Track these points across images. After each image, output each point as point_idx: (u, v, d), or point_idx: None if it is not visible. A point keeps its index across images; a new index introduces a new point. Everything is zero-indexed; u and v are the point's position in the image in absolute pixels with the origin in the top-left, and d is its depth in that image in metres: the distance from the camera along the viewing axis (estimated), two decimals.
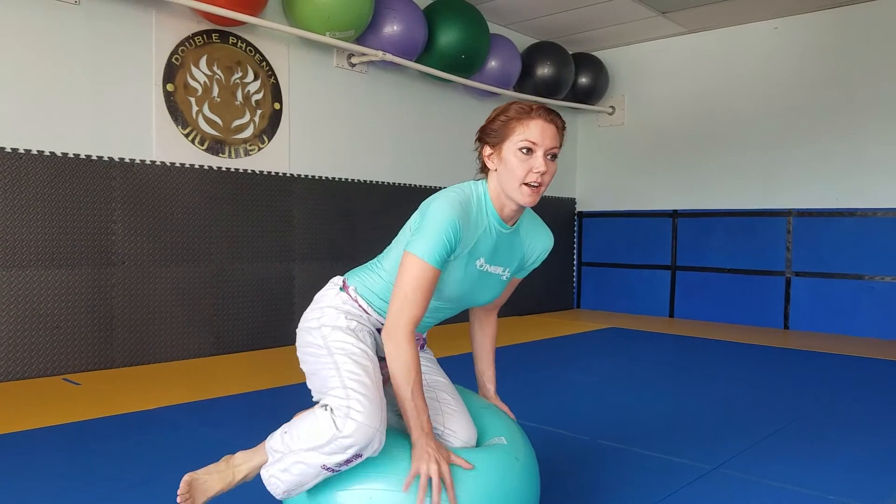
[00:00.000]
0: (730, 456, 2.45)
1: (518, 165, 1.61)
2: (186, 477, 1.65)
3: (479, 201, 1.68)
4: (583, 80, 6.51)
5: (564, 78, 6.19)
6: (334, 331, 1.67)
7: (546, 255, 1.85)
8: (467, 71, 5.44)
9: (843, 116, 5.55)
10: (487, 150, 1.69)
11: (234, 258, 4.38)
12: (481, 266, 1.70)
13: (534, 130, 1.61)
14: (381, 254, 1.83)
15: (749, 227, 6.03)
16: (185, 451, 2.43)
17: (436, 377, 1.83)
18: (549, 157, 1.63)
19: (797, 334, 5.52)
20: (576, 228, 7.17)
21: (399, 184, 5.40)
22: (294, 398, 3.26)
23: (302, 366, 1.75)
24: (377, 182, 5.25)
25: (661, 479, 2.21)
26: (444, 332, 4.02)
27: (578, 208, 7.17)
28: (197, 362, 4.09)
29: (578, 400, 3.28)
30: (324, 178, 4.89)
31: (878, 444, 2.62)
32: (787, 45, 5.83)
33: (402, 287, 1.58)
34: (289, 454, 1.55)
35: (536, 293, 6.52)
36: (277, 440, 1.64)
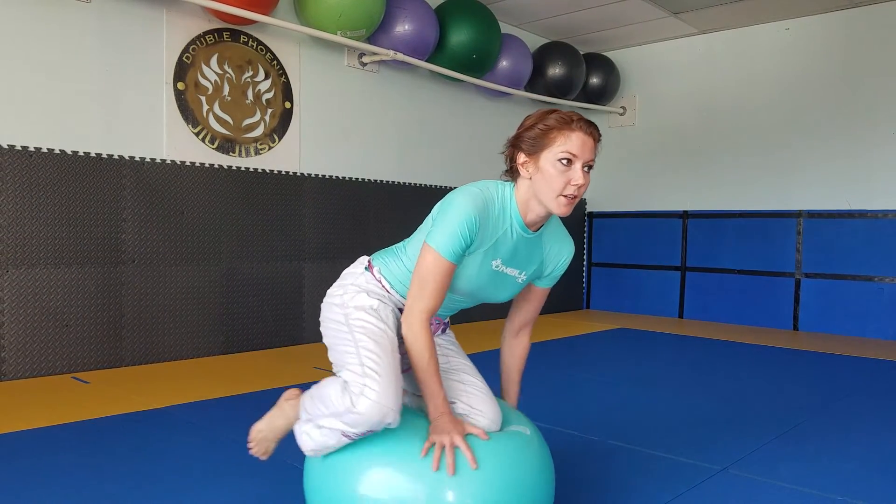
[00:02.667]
0: (739, 457, 2.44)
1: (557, 177, 1.61)
2: (252, 429, 1.86)
3: (504, 203, 1.69)
4: (594, 80, 6.50)
5: (576, 78, 6.18)
6: (356, 309, 1.72)
7: (568, 264, 1.85)
8: (478, 71, 5.44)
9: (853, 118, 5.51)
10: (522, 158, 1.67)
11: (244, 257, 4.39)
12: (497, 266, 1.71)
13: (575, 142, 1.60)
14: (407, 239, 1.85)
15: (759, 228, 6.00)
16: (195, 450, 2.44)
17: (460, 360, 1.85)
18: (585, 168, 1.63)
19: (806, 336, 5.49)
20: (586, 229, 7.15)
21: (410, 183, 5.40)
22: None
23: (324, 339, 1.81)
24: (388, 182, 5.25)
25: (670, 479, 2.20)
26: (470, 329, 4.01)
27: (588, 209, 7.15)
28: (206, 361, 4.11)
29: (588, 400, 3.27)
30: (334, 177, 4.89)
31: (887, 446, 2.60)
32: (799, 46, 5.80)
33: (418, 277, 1.63)
34: (314, 418, 1.62)
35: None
36: (308, 400, 1.70)
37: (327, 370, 3.85)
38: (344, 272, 1.88)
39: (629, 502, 2.02)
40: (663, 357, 4.54)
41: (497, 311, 5.42)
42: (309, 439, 1.63)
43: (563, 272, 1.86)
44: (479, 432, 1.59)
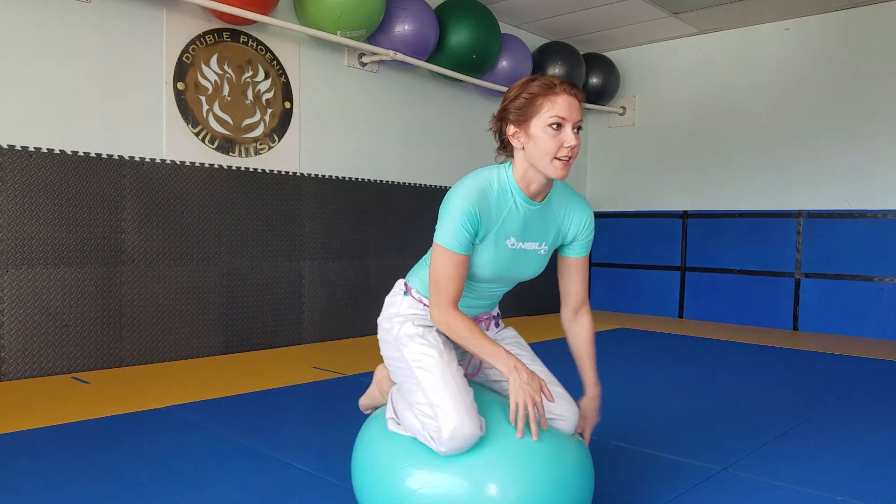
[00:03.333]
0: (739, 457, 2.44)
1: (549, 141, 1.64)
2: (359, 403, 2.19)
3: (502, 184, 1.73)
4: (594, 80, 6.50)
5: (576, 78, 6.18)
6: (409, 341, 1.76)
7: (593, 226, 1.87)
8: (478, 71, 5.44)
9: (854, 118, 5.51)
10: (511, 129, 1.70)
11: (243, 257, 4.39)
12: (513, 245, 1.74)
13: (562, 105, 1.64)
14: (429, 251, 1.88)
15: (759, 228, 6.00)
16: (195, 450, 2.44)
17: (528, 362, 1.84)
18: (575, 130, 1.66)
19: (806, 336, 5.49)
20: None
21: (409, 183, 5.40)
22: (304, 397, 3.27)
23: (389, 372, 1.87)
24: (387, 181, 5.25)
25: (670, 479, 2.20)
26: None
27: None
28: (206, 361, 4.11)
29: None
30: (334, 177, 4.89)
31: (887, 446, 2.60)
32: (799, 46, 5.80)
33: (433, 275, 1.69)
34: (406, 429, 1.72)
35: (545, 293, 6.50)
36: (391, 408, 1.80)
37: (327, 370, 3.85)
38: (386, 300, 1.93)
39: (629, 502, 2.02)
40: (663, 357, 4.54)
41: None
42: (396, 429, 1.75)
43: (592, 235, 1.88)
44: (548, 393, 1.63)
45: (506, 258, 1.75)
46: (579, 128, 1.67)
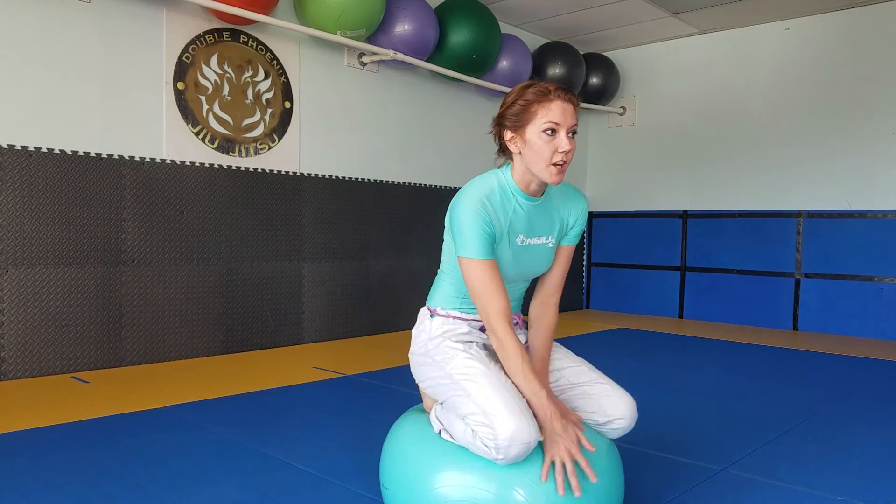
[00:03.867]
0: (738, 457, 2.44)
1: (544, 147, 1.68)
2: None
3: (502, 187, 1.76)
4: (594, 80, 6.50)
5: (576, 78, 6.18)
6: (451, 358, 1.73)
7: (585, 217, 1.90)
8: (478, 71, 5.44)
9: (854, 118, 5.51)
10: (509, 135, 1.74)
11: (243, 257, 4.39)
12: (522, 242, 1.79)
13: (556, 112, 1.67)
14: (440, 267, 1.91)
15: (759, 228, 6.00)
16: (194, 450, 2.44)
17: (569, 364, 1.89)
18: (570, 135, 1.69)
19: (806, 336, 5.49)
20: (586, 228, 7.14)
21: (409, 183, 5.40)
22: (304, 397, 3.27)
23: (428, 393, 1.85)
24: (387, 182, 5.25)
25: (670, 479, 2.20)
26: None
27: (588, 209, 7.14)
28: (206, 361, 4.11)
29: None
30: (334, 177, 4.89)
31: (887, 446, 2.60)
32: (799, 46, 5.80)
33: (474, 289, 1.69)
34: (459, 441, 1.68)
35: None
36: (439, 424, 1.76)
37: (327, 369, 3.85)
38: (413, 334, 1.90)
39: (629, 502, 2.01)
40: (663, 357, 4.54)
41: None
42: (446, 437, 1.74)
43: (583, 227, 1.91)
44: (586, 443, 1.59)
45: (520, 256, 1.79)
46: (574, 132, 1.71)
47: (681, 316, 6.48)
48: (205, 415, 2.89)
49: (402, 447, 1.79)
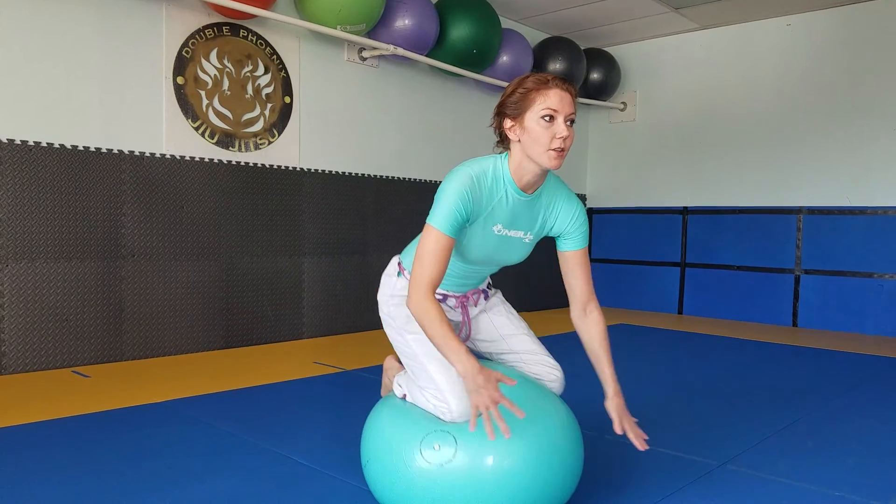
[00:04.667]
0: (737, 452, 2.44)
1: (542, 133, 1.72)
2: (382, 395, 2.24)
3: (496, 173, 1.79)
4: (594, 75, 6.49)
5: (576, 73, 6.17)
6: (412, 329, 1.87)
7: (584, 218, 1.92)
8: (479, 66, 5.43)
9: (855, 114, 5.51)
10: (508, 123, 1.79)
11: (243, 252, 4.39)
12: (499, 231, 1.82)
13: (553, 99, 1.72)
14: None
15: (759, 224, 6.00)
16: (194, 444, 2.44)
17: (511, 332, 2.03)
18: (568, 122, 1.74)
19: (806, 332, 5.50)
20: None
21: (410, 179, 5.40)
22: (304, 391, 3.27)
23: (400, 357, 1.99)
24: (387, 177, 5.25)
25: (668, 474, 2.21)
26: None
27: (589, 205, 7.15)
28: (207, 356, 4.11)
29: (587, 396, 3.27)
30: (334, 172, 4.89)
31: (885, 442, 2.60)
32: (800, 41, 5.79)
33: (420, 254, 1.73)
34: (415, 401, 1.87)
35: (545, 289, 6.51)
36: (405, 385, 1.93)
37: (327, 364, 3.85)
38: (382, 278, 2.02)
39: (628, 497, 2.02)
40: (662, 353, 4.55)
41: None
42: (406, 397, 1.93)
43: (586, 228, 1.93)
44: (507, 380, 1.65)
45: (493, 243, 1.83)
46: (572, 120, 1.75)
47: (680, 312, 6.48)
48: (205, 409, 2.90)
49: (379, 423, 1.88)
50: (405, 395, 1.91)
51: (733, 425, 2.80)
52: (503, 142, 1.83)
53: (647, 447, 1.81)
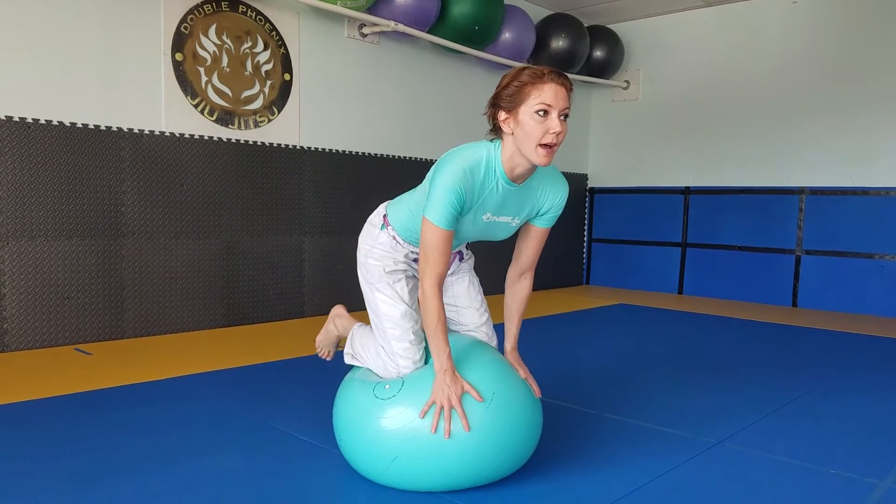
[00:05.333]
0: (735, 430, 2.46)
1: (535, 127, 1.73)
2: (315, 341, 2.49)
3: (489, 164, 1.82)
4: (598, 53, 6.43)
5: (579, 51, 6.12)
6: (381, 288, 2.01)
7: (563, 204, 1.97)
8: (481, 43, 5.38)
9: (859, 94, 5.46)
10: (503, 115, 1.79)
11: (244, 231, 4.39)
12: (488, 218, 1.89)
13: (548, 94, 1.72)
14: (414, 189, 2.01)
15: (761, 204, 5.98)
16: (196, 421, 2.46)
17: (466, 305, 2.14)
18: (562, 117, 1.74)
19: (806, 312, 5.51)
20: (587, 204, 7.13)
21: (410, 157, 5.38)
22: (304, 370, 3.29)
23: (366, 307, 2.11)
24: (388, 155, 5.23)
25: (667, 452, 2.22)
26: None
27: (590, 184, 7.13)
28: (208, 334, 4.13)
29: (587, 375, 3.29)
30: (334, 150, 4.87)
31: (882, 422, 2.62)
32: (805, 19, 5.73)
33: (424, 250, 1.82)
34: (358, 357, 2.12)
35: (546, 269, 6.49)
36: (350, 346, 2.17)
37: None
38: (366, 223, 2.10)
39: (626, 474, 2.04)
40: (662, 333, 4.56)
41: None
42: (351, 361, 2.15)
43: (560, 212, 1.98)
44: (475, 394, 1.79)
45: (481, 228, 1.91)
46: (566, 115, 1.76)
47: (681, 292, 6.49)
48: (206, 386, 2.92)
49: (346, 397, 2.00)
50: (348, 356, 2.14)
51: (731, 404, 2.81)
52: (496, 132, 1.84)
53: (540, 395, 2.02)
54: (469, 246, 2.20)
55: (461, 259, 2.17)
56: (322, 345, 2.46)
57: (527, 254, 2.03)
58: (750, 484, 2.00)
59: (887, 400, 2.95)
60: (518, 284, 2.10)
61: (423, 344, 1.97)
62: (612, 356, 3.74)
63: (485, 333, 2.13)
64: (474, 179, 1.79)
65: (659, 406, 2.76)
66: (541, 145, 1.73)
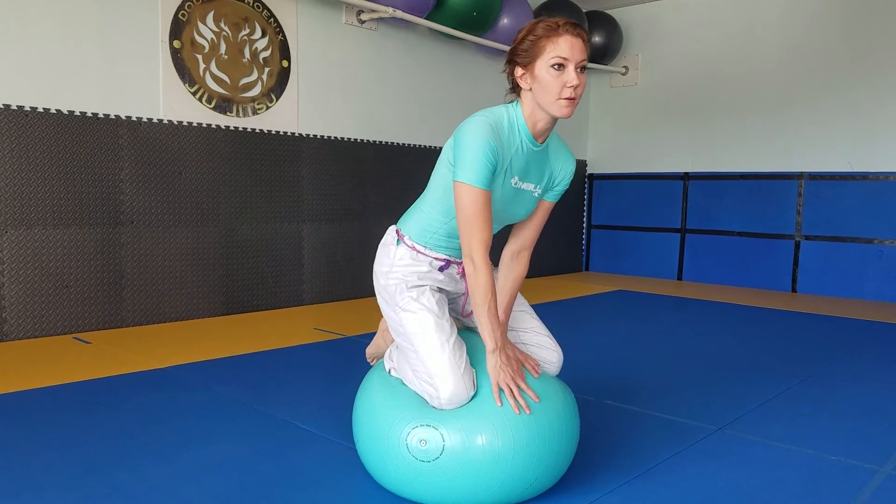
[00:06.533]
0: (734, 417, 2.46)
1: (552, 82, 1.68)
2: (366, 351, 2.29)
3: (512, 122, 1.76)
4: (596, 38, 6.40)
5: None
6: (406, 305, 1.82)
7: (571, 177, 1.92)
8: (479, 29, 5.35)
9: (857, 79, 5.44)
10: (519, 71, 1.75)
11: (243, 218, 4.38)
12: (515, 184, 1.80)
13: (563, 46, 1.68)
14: (422, 194, 1.92)
15: (760, 189, 5.97)
16: (195, 410, 2.46)
17: (520, 308, 1.99)
18: (579, 69, 1.70)
19: (805, 297, 5.51)
20: (586, 190, 7.12)
21: (408, 144, 5.36)
22: (304, 357, 3.29)
23: (392, 335, 1.93)
24: (386, 142, 5.21)
25: (666, 439, 2.23)
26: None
27: (589, 170, 7.11)
28: (207, 322, 4.13)
29: (586, 361, 3.30)
30: (333, 137, 4.85)
31: (882, 408, 2.62)
32: (804, 4, 5.70)
33: (463, 215, 1.69)
34: (400, 373, 1.86)
35: (545, 255, 6.51)
36: (390, 358, 1.93)
37: (327, 331, 3.87)
38: (378, 250, 1.96)
39: (626, 461, 2.04)
40: (662, 319, 4.56)
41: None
42: (395, 374, 1.90)
43: (567, 186, 1.93)
44: (530, 368, 1.75)
45: (509, 196, 1.80)
46: (583, 67, 1.70)
47: (680, 278, 6.49)
48: (206, 375, 2.92)
49: (370, 393, 1.85)
50: (391, 370, 1.89)
51: (731, 390, 2.82)
52: (515, 90, 1.80)
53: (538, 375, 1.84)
54: None
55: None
56: (373, 356, 2.30)
57: (530, 228, 1.93)
58: (750, 470, 2.00)
59: (887, 385, 2.95)
60: (514, 262, 1.95)
61: (465, 359, 1.73)
62: (611, 343, 3.74)
63: (548, 343, 1.95)
64: (501, 136, 1.72)
65: (658, 393, 2.77)
66: (561, 98, 1.68)
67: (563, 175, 1.90)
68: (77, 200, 3.68)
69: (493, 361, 1.70)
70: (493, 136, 1.68)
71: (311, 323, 4.11)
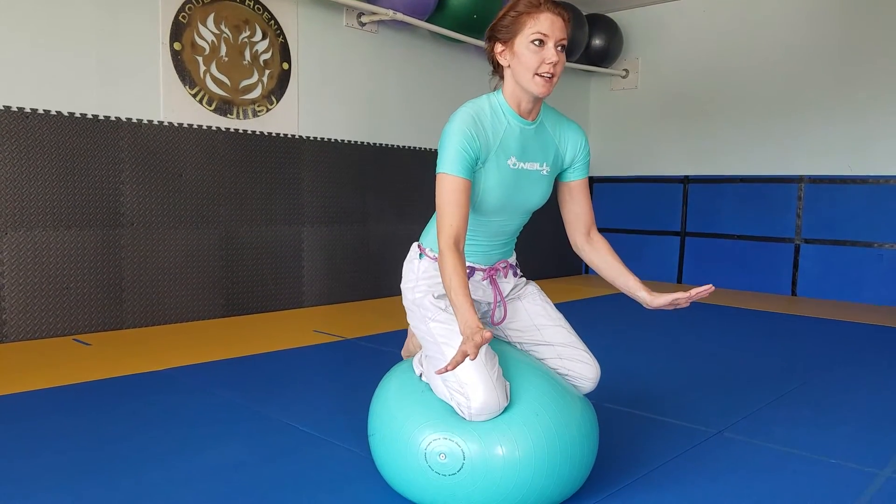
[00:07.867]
0: (734, 420, 2.46)
1: (531, 57, 1.69)
2: (402, 352, 2.26)
3: (494, 106, 1.77)
4: (596, 41, 6.41)
5: (578, 39, 6.09)
6: (434, 315, 1.80)
7: (587, 149, 1.90)
8: (479, 32, 5.35)
9: (858, 82, 5.45)
10: (499, 47, 1.77)
11: (243, 221, 4.38)
12: (514, 165, 1.77)
13: (544, 23, 1.68)
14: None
15: (760, 193, 5.98)
16: (196, 412, 2.46)
17: (546, 323, 1.93)
18: (558, 48, 1.70)
19: (805, 301, 5.51)
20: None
21: (409, 146, 5.36)
22: (304, 360, 3.29)
23: (416, 335, 1.92)
24: (387, 144, 5.21)
25: (665, 441, 2.23)
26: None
27: (589, 173, 7.11)
28: (206, 324, 4.13)
29: None
30: (333, 140, 4.85)
31: (882, 411, 2.62)
32: (804, 9, 5.71)
33: (438, 204, 1.69)
34: (428, 380, 1.81)
35: (545, 258, 6.51)
36: (420, 363, 1.88)
37: (327, 333, 3.87)
38: (404, 267, 1.94)
39: (625, 464, 2.04)
40: (661, 322, 4.56)
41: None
42: (424, 379, 1.84)
43: (587, 158, 1.90)
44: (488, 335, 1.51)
45: (510, 180, 1.77)
46: (563, 46, 1.71)
47: (680, 281, 6.49)
48: (206, 377, 2.92)
49: (388, 396, 1.83)
50: (421, 375, 1.86)
51: (730, 394, 2.82)
52: (496, 69, 1.81)
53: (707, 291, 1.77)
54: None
55: (515, 274, 2.00)
56: (407, 355, 2.27)
57: (584, 211, 1.91)
58: (749, 474, 2.00)
59: (887, 389, 2.95)
60: (597, 245, 1.91)
61: (498, 369, 1.68)
62: (612, 346, 3.74)
63: (585, 358, 1.89)
64: (483, 122, 1.72)
65: (658, 396, 2.76)
66: (537, 74, 1.68)
67: (575, 149, 1.87)
68: (77, 202, 3.68)
69: (466, 339, 1.50)
70: (469, 125, 1.69)
71: (311, 325, 4.11)
